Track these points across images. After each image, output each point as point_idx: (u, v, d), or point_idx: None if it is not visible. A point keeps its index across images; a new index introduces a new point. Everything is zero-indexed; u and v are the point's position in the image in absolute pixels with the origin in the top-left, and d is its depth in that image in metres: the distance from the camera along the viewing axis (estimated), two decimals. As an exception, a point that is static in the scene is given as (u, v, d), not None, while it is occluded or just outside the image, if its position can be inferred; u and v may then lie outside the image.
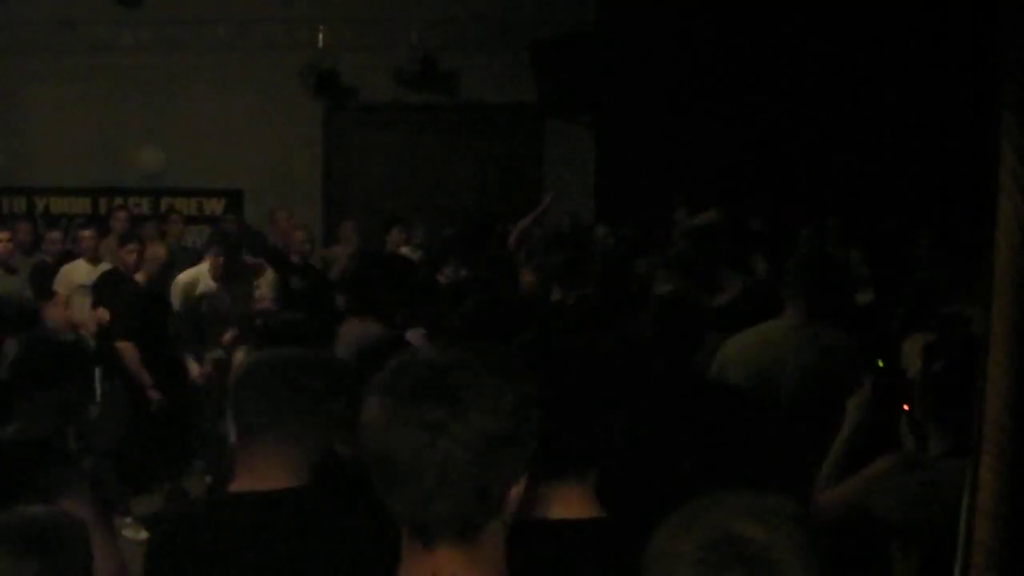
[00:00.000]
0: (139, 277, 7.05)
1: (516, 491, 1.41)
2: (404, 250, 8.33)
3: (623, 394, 2.00)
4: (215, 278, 7.09)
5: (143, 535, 6.28)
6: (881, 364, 3.08)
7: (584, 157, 10.97)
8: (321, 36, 10.76)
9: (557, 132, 11.22)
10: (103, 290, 7.30)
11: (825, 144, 9.08)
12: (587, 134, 10.99)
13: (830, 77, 8.92)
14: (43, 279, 7.95)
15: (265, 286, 7.15)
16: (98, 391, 5.65)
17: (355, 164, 11.58)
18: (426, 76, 10.87)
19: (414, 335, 4.02)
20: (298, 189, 11.11)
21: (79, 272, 7.59)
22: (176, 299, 7.17)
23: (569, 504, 1.85)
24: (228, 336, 6.78)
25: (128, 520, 6.29)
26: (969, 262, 4.76)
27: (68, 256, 8.12)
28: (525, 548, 1.78)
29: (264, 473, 2.20)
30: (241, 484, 2.23)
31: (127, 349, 6.88)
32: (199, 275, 7.19)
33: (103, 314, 7.06)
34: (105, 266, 7.57)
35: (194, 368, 6.97)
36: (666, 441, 3.11)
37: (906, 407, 3.03)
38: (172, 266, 7.74)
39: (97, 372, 5.26)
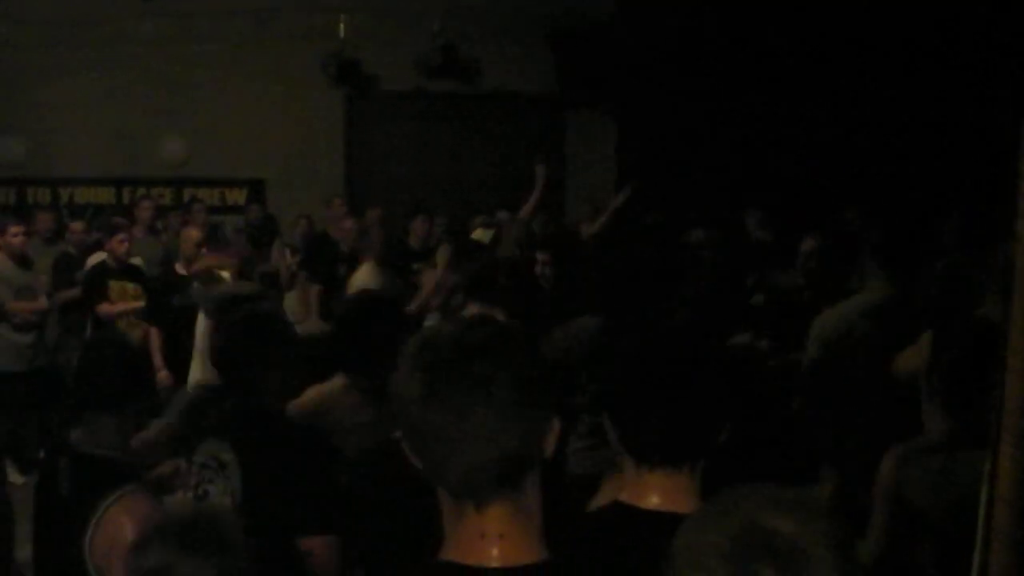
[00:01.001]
0: (180, 266, 6.95)
1: (552, 436, 1.46)
2: (478, 233, 8.19)
3: (739, 389, 2.01)
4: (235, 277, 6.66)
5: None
6: None
7: (605, 147, 10.95)
8: (342, 26, 10.76)
9: (578, 122, 11.19)
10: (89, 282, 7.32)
11: (847, 134, 9.02)
12: (608, 124, 10.96)
13: (852, 67, 8.86)
14: (67, 270, 7.98)
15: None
16: None
17: (377, 153, 11.61)
18: (447, 65, 10.85)
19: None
20: (320, 178, 11.16)
21: None
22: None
23: (674, 494, 1.85)
24: None
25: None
26: (994, 250, 4.74)
27: (95, 247, 8.12)
28: (625, 534, 1.81)
29: None
30: None
31: (152, 333, 6.81)
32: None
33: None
34: (136, 260, 7.62)
35: None
36: (763, 436, 3.07)
37: None
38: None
39: None
